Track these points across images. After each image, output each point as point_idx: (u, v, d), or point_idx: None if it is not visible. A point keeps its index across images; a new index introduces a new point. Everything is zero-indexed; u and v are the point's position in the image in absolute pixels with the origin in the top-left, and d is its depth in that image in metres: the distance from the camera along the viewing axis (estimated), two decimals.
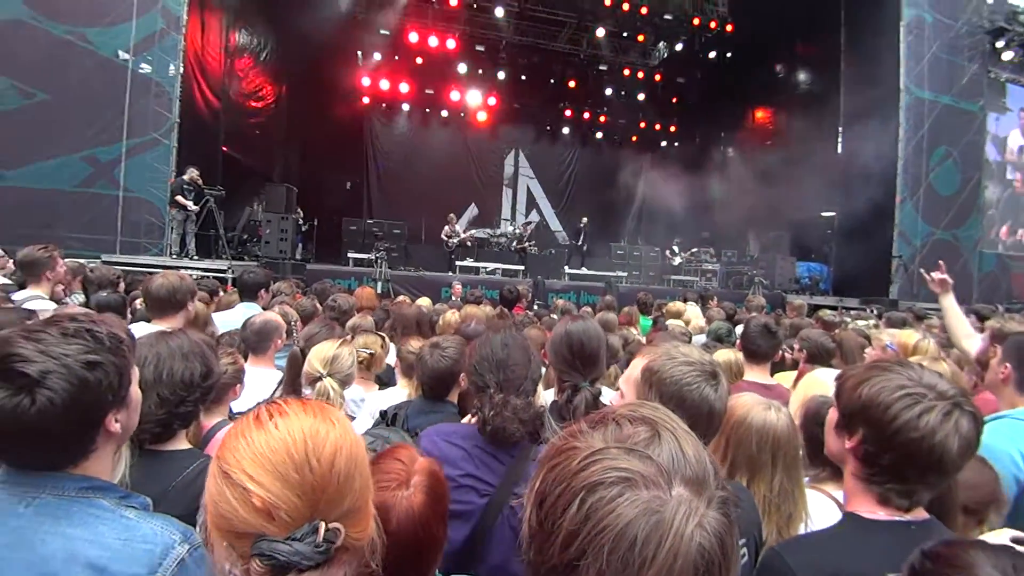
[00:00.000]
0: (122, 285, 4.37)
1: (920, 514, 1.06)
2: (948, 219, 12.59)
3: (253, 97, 13.11)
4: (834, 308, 10.01)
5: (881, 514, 1.05)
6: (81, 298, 4.11)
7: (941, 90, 12.41)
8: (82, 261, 6.34)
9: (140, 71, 9.22)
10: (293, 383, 2.12)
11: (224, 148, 11.60)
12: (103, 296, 3.27)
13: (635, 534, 0.49)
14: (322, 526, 0.68)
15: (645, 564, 0.48)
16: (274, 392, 2.28)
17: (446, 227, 13.11)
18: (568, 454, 0.56)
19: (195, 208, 9.27)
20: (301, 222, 12.53)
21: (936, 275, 2.76)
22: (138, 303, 3.78)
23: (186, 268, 8.49)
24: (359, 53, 16.35)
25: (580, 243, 14.57)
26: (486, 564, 1.32)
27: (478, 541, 1.34)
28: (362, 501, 0.74)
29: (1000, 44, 12.88)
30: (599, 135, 19.99)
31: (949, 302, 2.72)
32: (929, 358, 1.99)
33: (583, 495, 0.52)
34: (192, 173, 9.24)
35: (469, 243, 13.67)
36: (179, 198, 9.02)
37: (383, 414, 1.89)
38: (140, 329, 2.57)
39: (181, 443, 1.51)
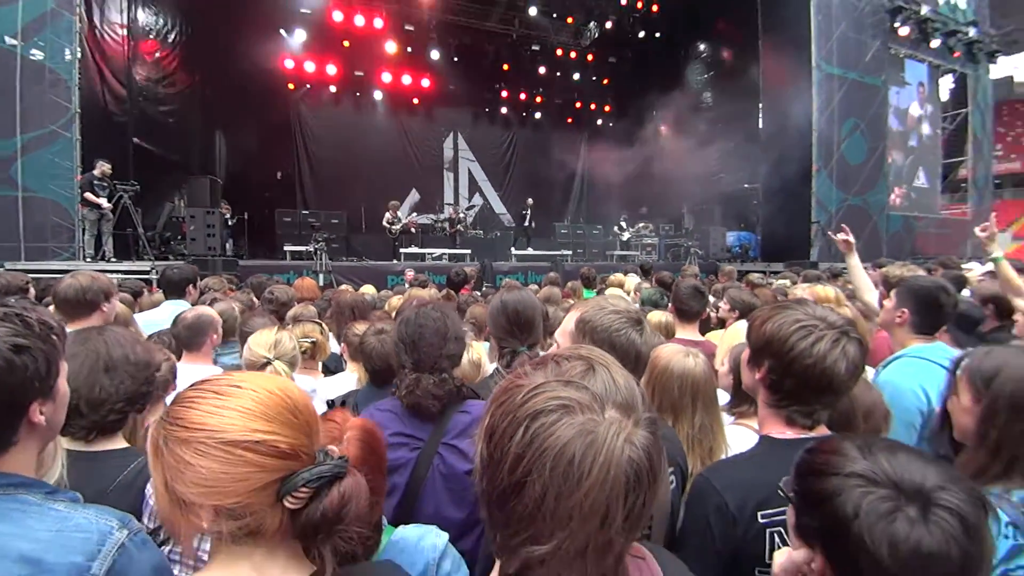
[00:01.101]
0: (32, 292, 4.01)
1: (822, 431, 1.21)
2: (858, 185, 13.68)
3: (164, 83, 12.12)
4: (762, 272, 10.71)
5: (789, 433, 1.19)
6: None
7: (848, 66, 13.35)
8: None
9: (31, 57, 8.30)
10: None
11: (135, 139, 10.71)
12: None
13: (573, 451, 0.55)
14: (331, 448, 0.81)
15: (583, 476, 0.55)
16: None
17: (387, 214, 12.80)
18: (513, 391, 0.62)
19: (109, 206, 8.55)
20: (228, 217, 11.84)
21: (840, 236, 3.02)
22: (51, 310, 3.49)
23: (104, 272, 7.88)
24: (281, 33, 15.46)
25: (526, 224, 14.70)
26: (423, 513, 1.39)
27: (413, 492, 1.41)
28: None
29: (897, 22, 13.98)
30: (537, 115, 20.03)
31: (854, 261, 2.97)
32: (836, 303, 2.21)
33: (527, 423, 0.58)
34: (103, 167, 8.48)
35: (413, 229, 13.44)
36: (88, 195, 8.28)
37: (330, 404, 1.89)
38: None
39: (118, 442, 1.46)
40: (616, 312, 1.32)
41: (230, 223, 12.15)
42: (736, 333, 2.11)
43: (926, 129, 16.33)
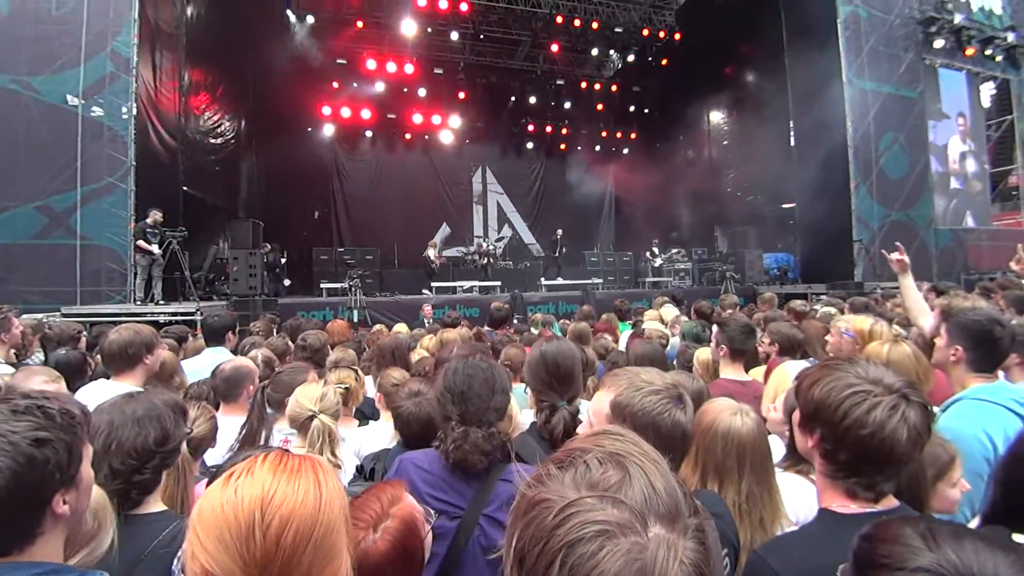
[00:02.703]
0: (83, 340, 4.22)
1: (890, 503, 1.10)
2: (901, 200, 13.13)
3: (211, 134, 12.89)
4: (804, 296, 10.31)
5: (853, 507, 1.08)
6: (41, 357, 3.96)
7: (881, 80, 13.03)
8: (41, 317, 6.12)
9: (91, 116, 8.99)
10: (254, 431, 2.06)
11: (184, 188, 11.34)
12: (62, 354, 3.14)
13: None
14: None
15: None
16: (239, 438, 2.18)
17: (430, 250, 13.17)
18: (541, 507, 0.55)
19: (159, 252, 9.03)
20: (281, 257, 12.45)
21: (895, 256, 2.90)
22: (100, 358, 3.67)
23: (153, 314, 8.27)
24: (317, 83, 16.33)
25: (556, 254, 14.75)
26: None
27: (453, 561, 1.35)
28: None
29: (932, 31, 13.62)
30: (563, 146, 20.30)
31: (908, 282, 2.85)
32: (888, 342, 2.07)
33: (563, 555, 0.51)
34: (155, 215, 9.01)
35: (443, 262, 13.67)
36: (141, 243, 8.78)
37: (359, 469, 1.86)
38: (99, 387, 2.51)
39: (155, 506, 1.47)
40: (655, 392, 1.22)
41: (282, 262, 12.76)
42: (783, 375, 1.99)
43: (972, 166, 15.07)
